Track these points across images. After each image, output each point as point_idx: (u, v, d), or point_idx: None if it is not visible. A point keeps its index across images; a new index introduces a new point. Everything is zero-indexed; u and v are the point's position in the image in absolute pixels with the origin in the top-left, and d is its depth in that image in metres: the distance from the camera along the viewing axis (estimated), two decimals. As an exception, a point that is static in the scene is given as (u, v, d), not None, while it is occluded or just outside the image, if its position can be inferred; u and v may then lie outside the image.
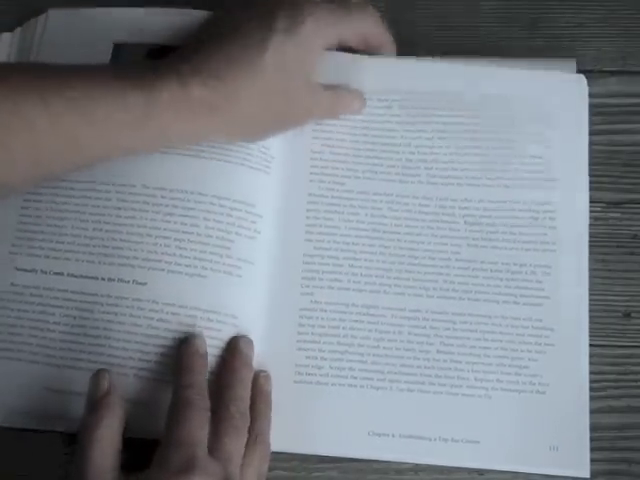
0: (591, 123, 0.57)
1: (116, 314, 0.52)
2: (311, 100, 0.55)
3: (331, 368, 0.52)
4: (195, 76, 0.49)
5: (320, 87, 0.55)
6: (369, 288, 0.53)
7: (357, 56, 0.58)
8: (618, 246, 0.56)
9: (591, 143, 0.57)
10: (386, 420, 0.51)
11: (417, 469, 0.51)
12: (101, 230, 0.53)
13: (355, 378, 0.52)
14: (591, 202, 0.56)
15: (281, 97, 0.53)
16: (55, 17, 0.59)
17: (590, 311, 0.54)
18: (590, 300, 0.54)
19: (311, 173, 0.56)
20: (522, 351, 0.52)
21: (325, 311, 0.53)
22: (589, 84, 0.58)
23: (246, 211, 0.54)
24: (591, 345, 0.53)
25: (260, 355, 0.52)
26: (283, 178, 0.56)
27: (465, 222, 0.55)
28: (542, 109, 0.57)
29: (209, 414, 0.47)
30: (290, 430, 0.51)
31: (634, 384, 0.53)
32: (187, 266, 0.52)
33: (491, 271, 0.54)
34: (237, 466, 0.46)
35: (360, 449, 0.51)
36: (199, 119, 0.50)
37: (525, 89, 0.58)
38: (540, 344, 0.52)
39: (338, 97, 0.57)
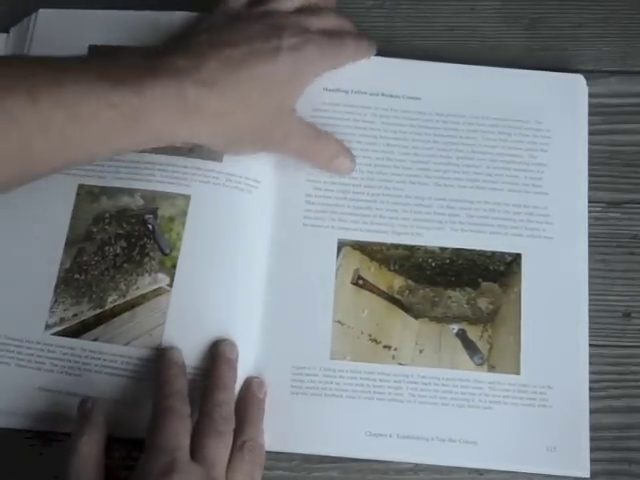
0: (591, 123, 0.58)
1: None
2: (294, 128, 0.54)
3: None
4: (191, 75, 0.48)
5: (306, 126, 0.55)
6: None
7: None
8: (618, 246, 0.56)
9: (591, 143, 0.57)
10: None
11: (417, 469, 0.51)
12: None
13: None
14: (591, 202, 0.56)
15: (270, 114, 0.52)
16: (44, 17, 0.60)
17: (590, 311, 0.54)
18: (590, 300, 0.54)
19: None
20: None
21: None
22: (589, 84, 0.58)
23: None
24: (591, 345, 0.53)
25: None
26: None
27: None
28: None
29: (189, 420, 0.47)
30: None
31: (634, 384, 0.53)
32: None
33: None
34: (222, 470, 0.46)
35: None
36: (189, 120, 0.49)
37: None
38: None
39: (320, 140, 0.55)
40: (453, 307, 0.54)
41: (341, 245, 0.54)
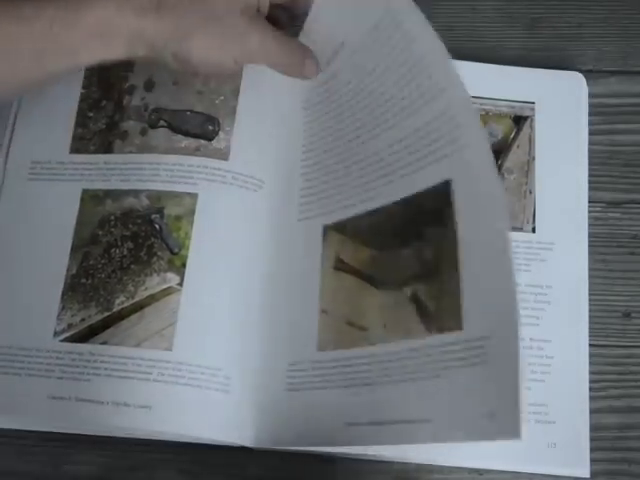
0: (591, 123, 0.58)
1: None
2: (253, 33, 0.52)
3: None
4: None
5: (269, 26, 0.52)
6: None
7: None
8: (618, 246, 0.56)
9: (591, 143, 0.57)
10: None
11: (418, 469, 0.51)
12: None
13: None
14: (591, 202, 0.56)
15: (215, 18, 0.50)
16: None
17: (590, 311, 0.54)
18: (590, 300, 0.54)
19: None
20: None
21: None
22: (589, 84, 0.58)
23: None
24: (591, 345, 0.53)
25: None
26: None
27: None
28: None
29: None
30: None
31: (634, 384, 0.53)
32: None
33: None
34: None
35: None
36: (132, 12, 0.48)
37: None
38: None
39: (290, 46, 0.54)
40: (406, 268, 0.48)
41: (325, 230, 0.52)
